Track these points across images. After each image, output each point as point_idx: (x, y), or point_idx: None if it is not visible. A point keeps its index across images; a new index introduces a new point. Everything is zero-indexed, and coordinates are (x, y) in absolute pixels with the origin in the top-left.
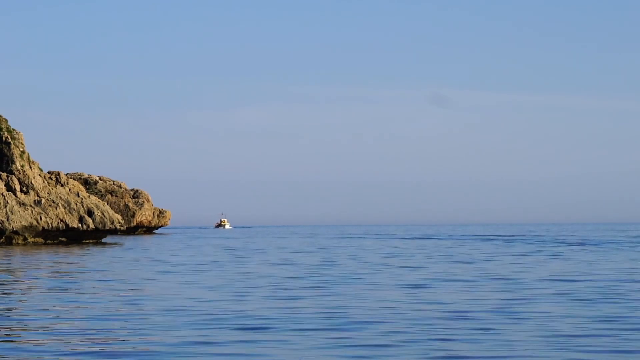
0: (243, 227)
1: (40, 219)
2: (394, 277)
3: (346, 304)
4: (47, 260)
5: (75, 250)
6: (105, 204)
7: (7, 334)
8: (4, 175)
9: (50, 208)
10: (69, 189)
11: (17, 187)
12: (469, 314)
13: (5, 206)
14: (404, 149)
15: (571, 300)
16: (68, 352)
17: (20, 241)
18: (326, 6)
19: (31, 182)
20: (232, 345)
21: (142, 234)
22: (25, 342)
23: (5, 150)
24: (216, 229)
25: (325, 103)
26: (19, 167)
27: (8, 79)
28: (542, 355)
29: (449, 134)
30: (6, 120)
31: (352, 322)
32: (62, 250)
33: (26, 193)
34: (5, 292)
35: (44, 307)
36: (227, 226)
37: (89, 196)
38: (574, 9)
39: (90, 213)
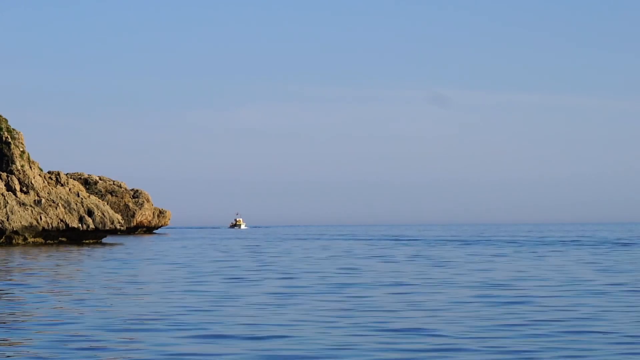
0: (257, 227)
1: (40, 219)
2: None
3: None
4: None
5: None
6: (105, 204)
7: None
8: (4, 175)
9: (50, 208)
10: (69, 189)
11: (17, 187)
12: None
13: (5, 206)
14: (404, 148)
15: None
16: None
17: (20, 241)
18: (326, 6)
19: (31, 182)
20: None
21: (142, 234)
22: None
23: (5, 150)
24: (231, 228)
25: (325, 103)
26: (19, 167)
27: (8, 79)
28: None
29: (449, 134)
30: (6, 120)
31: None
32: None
33: (26, 193)
34: None
35: None
36: (243, 226)
37: (89, 196)
38: (573, 8)
39: (90, 213)
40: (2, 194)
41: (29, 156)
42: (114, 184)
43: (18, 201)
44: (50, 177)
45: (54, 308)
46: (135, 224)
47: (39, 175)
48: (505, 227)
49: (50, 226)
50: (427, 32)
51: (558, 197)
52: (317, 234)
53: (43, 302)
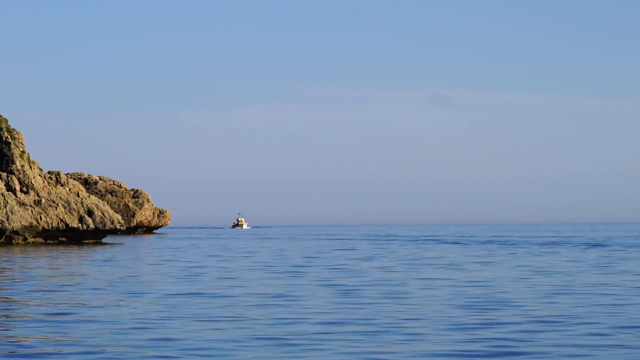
0: (259, 227)
1: (40, 219)
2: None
3: None
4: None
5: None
6: (105, 204)
7: None
8: (4, 175)
9: (50, 208)
10: (69, 189)
11: (17, 187)
12: None
13: (5, 206)
14: (404, 148)
15: None
16: None
17: (20, 241)
18: (326, 6)
19: (31, 182)
20: None
21: (142, 234)
22: None
23: (5, 150)
24: (233, 228)
25: (325, 103)
26: (19, 167)
27: (8, 79)
28: None
29: (449, 134)
30: (6, 120)
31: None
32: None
33: (26, 193)
34: None
35: None
36: (245, 226)
37: (89, 196)
38: (573, 9)
39: (90, 213)
40: (2, 194)
41: (29, 156)
42: (114, 184)
43: (18, 201)
44: (50, 177)
45: None
46: (135, 224)
47: (39, 175)
48: (504, 227)
49: (50, 226)
50: (427, 32)
51: (558, 197)
52: (316, 234)
53: None
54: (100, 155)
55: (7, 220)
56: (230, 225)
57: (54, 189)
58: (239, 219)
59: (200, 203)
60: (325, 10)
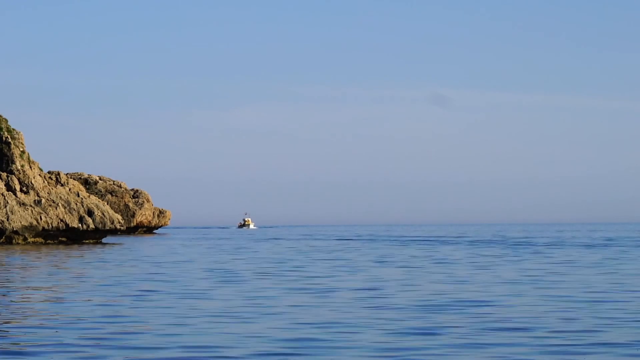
0: (265, 227)
1: (40, 219)
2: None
3: None
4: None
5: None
6: (105, 204)
7: None
8: (4, 175)
9: (50, 208)
10: (69, 189)
11: (17, 187)
12: None
13: (5, 206)
14: (404, 149)
15: None
16: None
17: (20, 241)
18: (326, 6)
19: (31, 182)
20: None
21: (142, 234)
22: None
23: (5, 150)
24: (239, 228)
25: (325, 103)
26: (19, 167)
27: (8, 79)
28: None
29: (449, 134)
30: (6, 120)
31: None
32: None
33: (26, 193)
34: None
35: None
36: (252, 226)
37: (89, 196)
38: (574, 9)
39: (90, 213)
40: (2, 194)
41: (29, 156)
42: (114, 184)
43: (18, 201)
44: (50, 177)
45: None
46: (135, 224)
47: (39, 175)
48: (501, 226)
49: (50, 226)
50: (427, 32)
51: (558, 197)
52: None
53: None
54: (100, 155)
55: (7, 220)
56: (237, 226)
57: (54, 189)
58: (246, 219)
59: (205, 203)
60: (325, 10)
